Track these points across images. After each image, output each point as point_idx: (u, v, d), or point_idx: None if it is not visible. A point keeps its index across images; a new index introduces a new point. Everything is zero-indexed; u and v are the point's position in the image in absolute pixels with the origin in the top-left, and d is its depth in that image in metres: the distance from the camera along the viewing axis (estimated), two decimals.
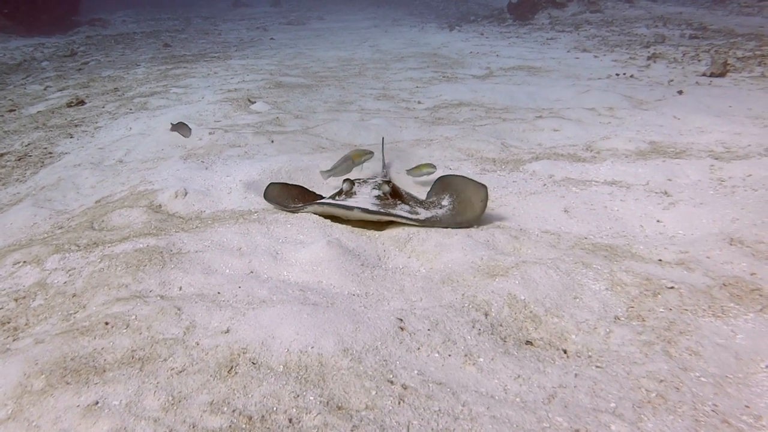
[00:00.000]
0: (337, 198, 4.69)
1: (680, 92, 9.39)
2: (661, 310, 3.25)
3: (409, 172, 5.55)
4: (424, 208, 4.67)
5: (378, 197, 4.55)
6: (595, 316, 3.25)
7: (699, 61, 12.22)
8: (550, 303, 3.35)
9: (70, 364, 2.75)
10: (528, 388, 2.62)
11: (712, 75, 10.59)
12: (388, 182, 4.70)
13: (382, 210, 4.37)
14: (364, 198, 4.56)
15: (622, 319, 3.21)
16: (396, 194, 4.69)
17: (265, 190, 5.06)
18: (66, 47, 19.92)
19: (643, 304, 3.32)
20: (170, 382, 2.60)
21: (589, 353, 2.95)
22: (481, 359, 2.82)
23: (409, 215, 4.44)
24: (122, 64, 15.60)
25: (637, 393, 2.57)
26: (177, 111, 8.93)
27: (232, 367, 2.68)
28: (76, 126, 8.81)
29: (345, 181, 4.77)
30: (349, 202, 4.51)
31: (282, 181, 5.52)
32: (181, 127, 6.38)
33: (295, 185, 5.24)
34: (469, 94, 9.99)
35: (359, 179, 4.91)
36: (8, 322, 3.38)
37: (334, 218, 4.57)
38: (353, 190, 4.69)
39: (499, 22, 24.20)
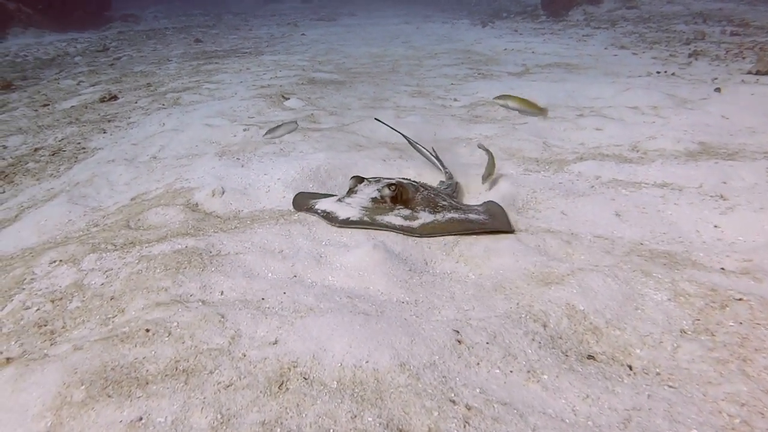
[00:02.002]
0: (343, 198, 4.54)
1: (718, 89, 9.10)
2: (731, 323, 3.04)
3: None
4: (430, 213, 4.36)
5: (374, 199, 4.37)
6: (659, 328, 3.05)
7: (743, 58, 11.86)
8: (611, 314, 3.16)
9: (111, 374, 2.62)
10: (599, 410, 2.44)
11: (758, 73, 10.23)
12: (393, 186, 4.38)
13: (364, 219, 4.24)
14: (360, 199, 4.41)
15: (689, 333, 3.01)
16: (401, 199, 4.38)
17: (293, 201, 4.94)
18: (98, 43, 20.03)
19: (710, 316, 3.11)
20: (218, 397, 2.46)
21: (657, 370, 2.76)
22: (545, 376, 2.64)
23: (401, 223, 4.23)
24: (154, 59, 15.60)
25: (718, 418, 2.38)
26: (210, 107, 8.83)
27: (282, 383, 2.53)
28: (109, 121, 8.77)
29: (352, 178, 4.63)
30: (341, 204, 4.43)
31: (321, 179, 5.39)
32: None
33: (320, 194, 5.09)
34: (506, 91, 9.74)
35: (375, 178, 4.70)
36: (45, 325, 3.27)
37: None
38: (356, 188, 4.54)
39: (533, 18, 23.88)
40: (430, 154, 5.90)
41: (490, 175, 5.21)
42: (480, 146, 5.81)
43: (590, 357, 2.86)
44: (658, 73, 10.94)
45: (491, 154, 5.45)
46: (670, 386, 2.61)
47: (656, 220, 4.46)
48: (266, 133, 6.21)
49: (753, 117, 7.25)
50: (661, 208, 4.63)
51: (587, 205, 4.74)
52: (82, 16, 24.66)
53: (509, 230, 4.27)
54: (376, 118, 6.67)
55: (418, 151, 6.15)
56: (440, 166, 5.63)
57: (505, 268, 3.69)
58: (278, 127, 6.15)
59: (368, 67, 12.84)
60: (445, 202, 4.53)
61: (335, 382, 2.55)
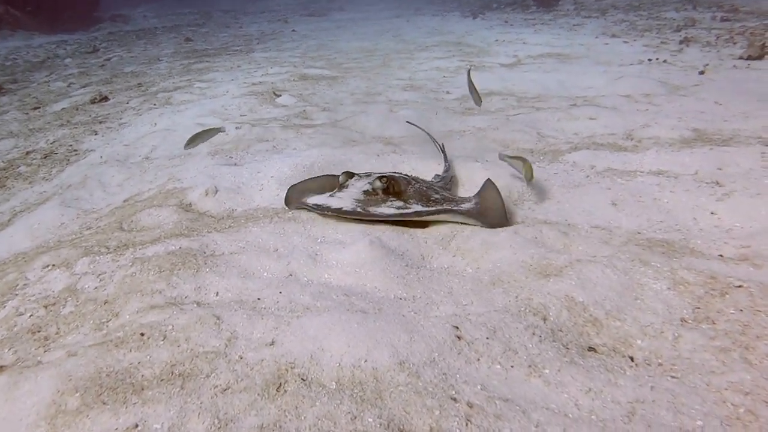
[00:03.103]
0: (334, 193, 4.50)
1: (702, 72, 9.22)
2: (732, 311, 3.01)
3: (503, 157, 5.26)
4: (423, 206, 4.32)
5: (366, 192, 4.33)
6: (659, 318, 3.02)
7: (734, 44, 11.83)
8: (610, 305, 3.13)
9: (106, 380, 2.57)
10: (602, 404, 2.40)
11: (749, 58, 10.22)
12: (384, 178, 4.35)
13: (358, 209, 4.20)
14: (352, 193, 4.36)
15: (690, 321, 2.98)
16: (392, 191, 4.35)
17: (286, 197, 4.89)
18: (88, 44, 19.92)
19: (710, 304, 3.08)
20: (215, 402, 2.41)
21: (659, 360, 2.73)
22: (547, 370, 2.61)
23: (394, 212, 4.20)
24: (144, 59, 15.52)
25: (722, 408, 2.35)
26: (202, 106, 8.78)
27: (280, 385, 2.48)
28: (100, 123, 8.71)
29: (343, 173, 4.59)
30: (333, 198, 4.38)
31: (314, 176, 5.35)
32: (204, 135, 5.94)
33: (313, 178, 5.06)
34: (498, 82, 9.73)
35: (366, 173, 4.66)
36: (39, 331, 3.23)
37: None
38: (347, 183, 4.49)
39: (523, 9, 23.83)
40: (441, 148, 5.85)
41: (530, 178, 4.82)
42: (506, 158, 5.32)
43: (591, 349, 2.83)
44: (650, 60, 10.92)
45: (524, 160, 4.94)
46: (673, 377, 2.58)
47: (653, 209, 4.43)
48: (186, 146, 5.80)
49: (746, 102, 7.23)
50: (657, 197, 4.60)
51: (583, 195, 4.71)
52: (71, 17, 24.52)
53: (504, 224, 4.22)
54: (407, 121, 6.55)
55: (437, 147, 6.02)
56: (443, 160, 5.57)
57: (503, 261, 3.65)
58: (197, 135, 5.81)
59: (360, 62, 12.78)
60: (437, 195, 4.51)
61: (334, 383, 2.51)
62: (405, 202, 4.32)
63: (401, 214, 4.19)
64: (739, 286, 3.19)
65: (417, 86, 9.87)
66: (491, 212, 4.28)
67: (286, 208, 4.76)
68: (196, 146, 5.88)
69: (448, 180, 5.11)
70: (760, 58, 10.15)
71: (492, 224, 4.19)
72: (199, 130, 5.96)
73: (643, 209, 4.43)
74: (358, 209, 4.22)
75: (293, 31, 21.39)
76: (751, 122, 6.45)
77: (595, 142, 6.28)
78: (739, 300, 3.08)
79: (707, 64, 10.03)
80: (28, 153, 7.54)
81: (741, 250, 3.68)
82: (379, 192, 4.31)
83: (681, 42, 12.55)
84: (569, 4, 22.87)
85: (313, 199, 4.54)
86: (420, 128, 6.41)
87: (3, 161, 7.32)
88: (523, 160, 4.81)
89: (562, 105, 7.95)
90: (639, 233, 4.08)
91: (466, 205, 4.38)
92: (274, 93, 9.42)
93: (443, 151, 5.72)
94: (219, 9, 35.54)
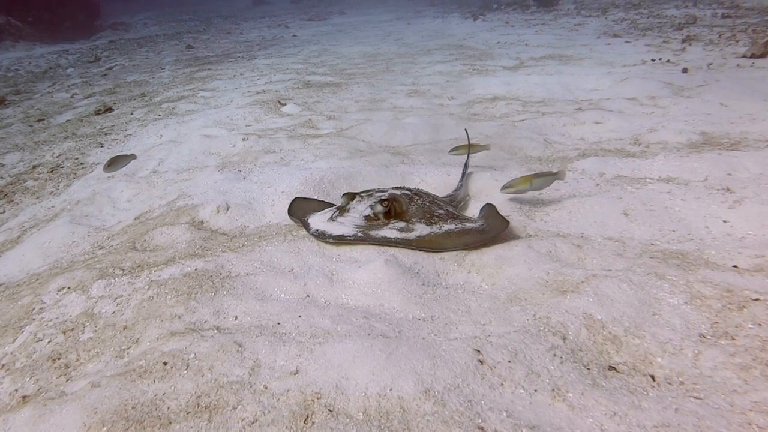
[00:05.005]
0: (335, 217, 4.41)
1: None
2: (750, 326, 3.00)
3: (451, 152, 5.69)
4: (426, 224, 4.25)
5: (367, 217, 4.26)
6: (678, 334, 3.01)
7: (737, 42, 11.83)
8: (629, 322, 3.12)
9: (132, 413, 2.57)
10: (627, 429, 2.39)
11: (753, 56, 10.23)
12: (385, 201, 4.28)
13: (359, 235, 4.16)
14: (353, 218, 4.29)
15: (709, 337, 2.97)
16: (394, 213, 4.28)
17: (289, 207, 4.90)
18: (90, 53, 19.96)
19: (728, 319, 3.08)
20: None
21: (681, 379, 2.72)
22: (570, 394, 2.60)
23: (397, 236, 4.14)
24: (147, 67, 15.53)
25: (748, 431, 2.35)
26: (207, 116, 8.78)
27: (307, 416, 2.47)
28: (105, 134, 8.72)
29: (344, 195, 4.50)
30: (334, 224, 4.31)
31: (325, 190, 5.35)
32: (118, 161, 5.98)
33: (315, 200, 5.06)
34: (502, 87, 9.73)
35: (368, 191, 4.59)
36: (59, 358, 3.22)
37: None
38: (348, 206, 4.40)
39: (523, 9, 23.84)
40: (465, 163, 5.62)
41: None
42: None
43: (612, 368, 2.82)
44: (653, 60, 10.92)
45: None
46: (696, 397, 2.57)
47: (665, 218, 4.42)
48: (106, 169, 5.92)
49: (752, 103, 7.23)
50: (668, 205, 4.58)
51: (594, 205, 4.69)
52: (72, 26, 24.56)
53: (503, 228, 4.18)
54: (465, 129, 6.51)
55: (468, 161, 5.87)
56: (460, 177, 5.41)
57: (519, 278, 3.65)
58: (115, 159, 5.81)
59: (362, 67, 12.78)
60: (441, 211, 4.43)
61: (361, 414, 2.50)
62: (407, 222, 4.25)
63: (403, 239, 4.12)
64: (756, 299, 3.18)
65: (421, 92, 9.87)
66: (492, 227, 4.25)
67: (298, 225, 4.73)
68: (115, 171, 6.18)
69: (455, 196, 5.05)
70: (763, 56, 10.15)
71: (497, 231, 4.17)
72: (117, 155, 6.14)
73: (655, 218, 4.41)
74: (360, 234, 4.18)
75: (294, 36, 21.41)
76: (759, 125, 6.45)
77: (602, 147, 6.28)
78: (757, 314, 3.07)
79: (711, 64, 10.03)
80: (34, 167, 7.55)
81: (755, 260, 3.67)
82: (381, 216, 4.25)
83: (683, 41, 12.56)
84: (569, 3, 22.89)
85: (315, 222, 4.47)
86: (467, 136, 6.28)
87: (10, 175, 7.33)
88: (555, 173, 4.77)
89: (567, 109, 7.94)
90: (653, 244, 4.07)
91: (469, 224, 4.31)
92: (279, 102, 9.42)
93: (465, 167, 5.52)
94: (219, 15, 35.58)
